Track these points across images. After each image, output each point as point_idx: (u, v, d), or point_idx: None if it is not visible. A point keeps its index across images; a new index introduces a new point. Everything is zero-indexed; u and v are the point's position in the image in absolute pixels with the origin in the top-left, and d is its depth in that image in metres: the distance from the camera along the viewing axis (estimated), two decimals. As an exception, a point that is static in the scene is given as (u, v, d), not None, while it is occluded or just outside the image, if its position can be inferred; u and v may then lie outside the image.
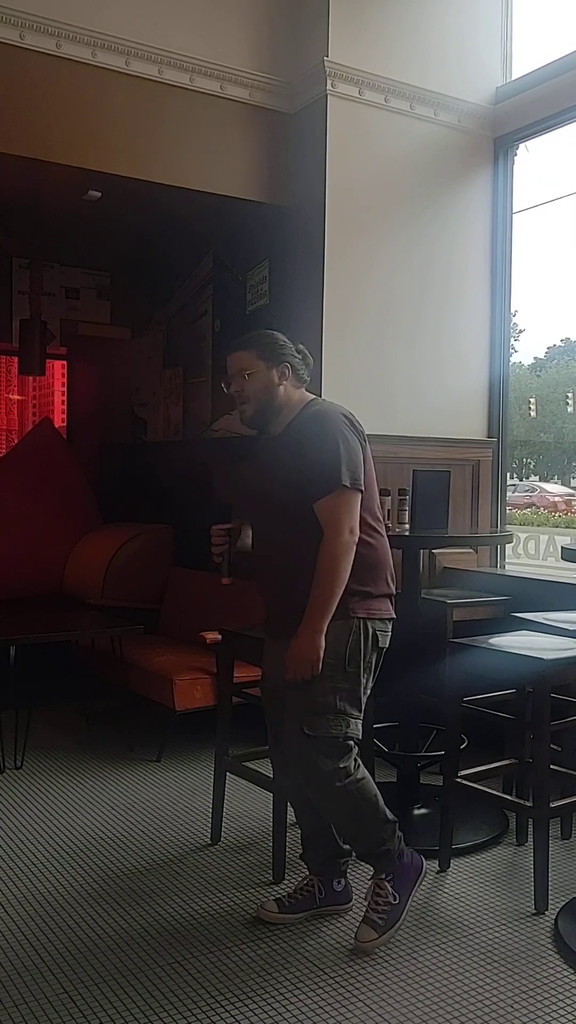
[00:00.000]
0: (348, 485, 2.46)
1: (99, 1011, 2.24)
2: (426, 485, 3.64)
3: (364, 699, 2.55)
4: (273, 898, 2.75)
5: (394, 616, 2.64)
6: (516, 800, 3.22)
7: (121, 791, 3.80)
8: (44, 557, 5.88)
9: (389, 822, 2.60)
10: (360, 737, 2.55)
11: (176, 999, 2.30)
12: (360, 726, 2.54)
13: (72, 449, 6.70)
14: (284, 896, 2.74)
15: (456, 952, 2.56)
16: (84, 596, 5.44)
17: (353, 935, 2.58)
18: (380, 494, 3.88)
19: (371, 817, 2.56)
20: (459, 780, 3.08)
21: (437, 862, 3.08)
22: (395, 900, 2.57)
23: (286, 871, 2.98)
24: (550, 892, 2.82)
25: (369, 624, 2.54)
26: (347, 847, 2.74)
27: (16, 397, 9.03)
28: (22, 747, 4.08)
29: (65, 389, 7.65)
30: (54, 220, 5.45)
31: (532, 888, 2.82)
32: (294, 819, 2.87)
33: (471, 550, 4.72)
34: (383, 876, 2.60)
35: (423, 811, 3.49)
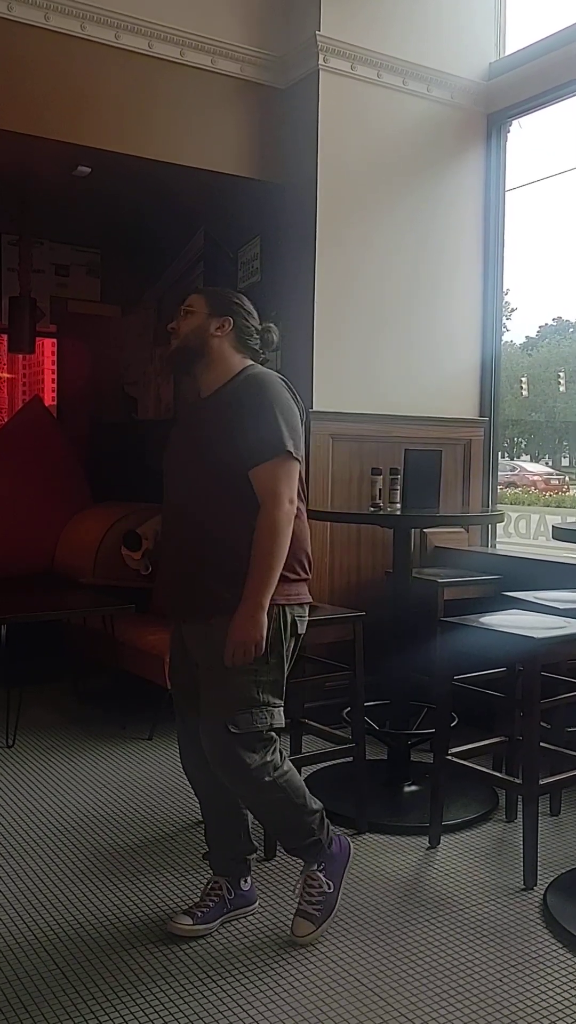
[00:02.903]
0: (291, 452, 2.34)
1: (91, 986, 2.26)
2: (417, 464, 3.63)
3: (284, 687, 2.44)
4: (182, 910, 2.57)
5: (311, 600, 2.52)
6: (506, 777, 3.23)
7: (113, 769, 3.81)
8: (35, 536, 5.86)
9: (317, 811, 2.51)
10: (283, 725, 2.43)
11: (168, 974, 2.32)
12: (283, 713, 2.43)
13: (62, 428, 6.67)
14: (194, 906, 2.56)
15: (446, 927, 2.58)
16: (75, 575, 5.43)
17: (289, 929, 2.49)
18: (372, 473, 3.88)
19: (300, 809, 2.46)
20: (449, 757, 3.10)
21: (427, 838, 3.11)
22: (329, 888, 2.50)
23: (277, 848, 3.00)
24: (539, 868, 2.84)
25: (288, 611, 2.40)
26: (253, 844, 2.64)
27: (5, 375, 8.99)
28: (14, 726, 4.09)
29: (55, 367, 7.61)
30: (43, 196, 5.39)
31: (521, 864, 2.85)
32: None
33: (462, 529, 4.73)
34: (315, 867, 2.51)
35: (413, 788, 3.51)
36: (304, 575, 2.48)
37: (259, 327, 2.57)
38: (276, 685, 2.41)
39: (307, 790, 2.50)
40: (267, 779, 2.38)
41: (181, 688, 2.59)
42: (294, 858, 2.65)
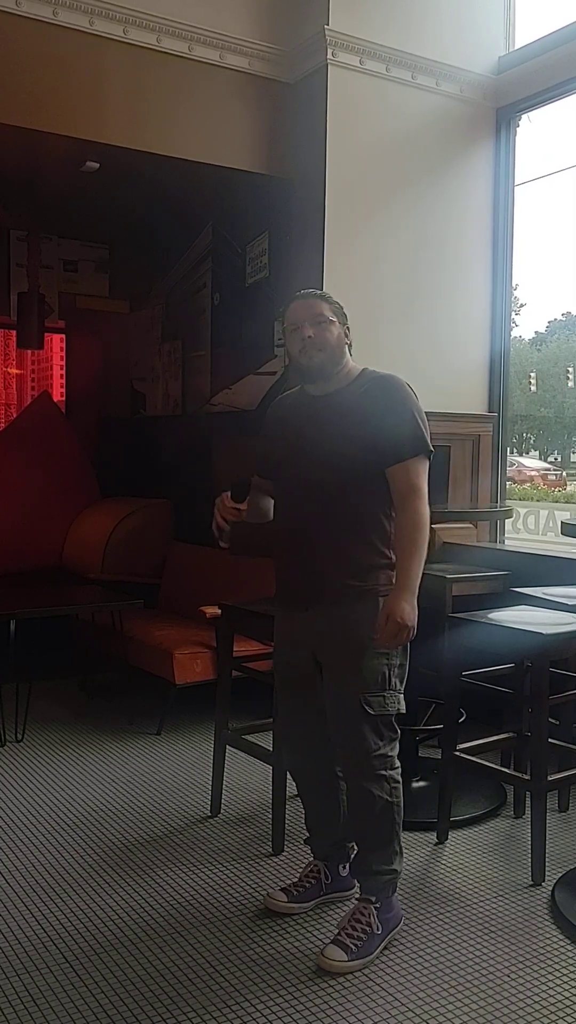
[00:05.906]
0: (432, 453, 2.43)
1: (100, 980, 2.27)
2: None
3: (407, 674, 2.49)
4: (280, 887, 2.67)
5: None
6: (514, 773, 3.24)
7: (121, 764, 3.82)
8: (43, 532, 5.88)
9: (401, 850, 2.50)
10: (404, 711, 2.47)
11: (176, 968, 2.33)
12: (403, 700, 2.47)
13: (71, 423, 6.69)
14: (291, 885, 2.66)
15: (454, 922, 2.58)
16: (84, 571, 5.45)
17: (319, 952, 2.39)
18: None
19: (392, 828, 2.45)
20: (457, 753, 3.10)
21: (435, 834, 3.11)
22: (377, 931, 2.40)
23: (285, 843, 3.01)
24: (547, 864, 2.84)
25: None
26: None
27: (15, 371, 9.00)
28: (23, 720, 4.11)
29: (64, 363, 7.62)
30: (52, 191, 5.40)
31: (529, 860, 2.85)
32: (294, 791, 2.88)
33: (470, 525, 4.71)
34: (371, 900, 2.44)
35: (422, 784, 3.51)
36: None
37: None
38: (403, 670, 2.45)
39: (401, 823, 2.49)
40: (380, 772, 2.42)
41: (290, 679, 2.59)
42: (319, 863, 2.66)
